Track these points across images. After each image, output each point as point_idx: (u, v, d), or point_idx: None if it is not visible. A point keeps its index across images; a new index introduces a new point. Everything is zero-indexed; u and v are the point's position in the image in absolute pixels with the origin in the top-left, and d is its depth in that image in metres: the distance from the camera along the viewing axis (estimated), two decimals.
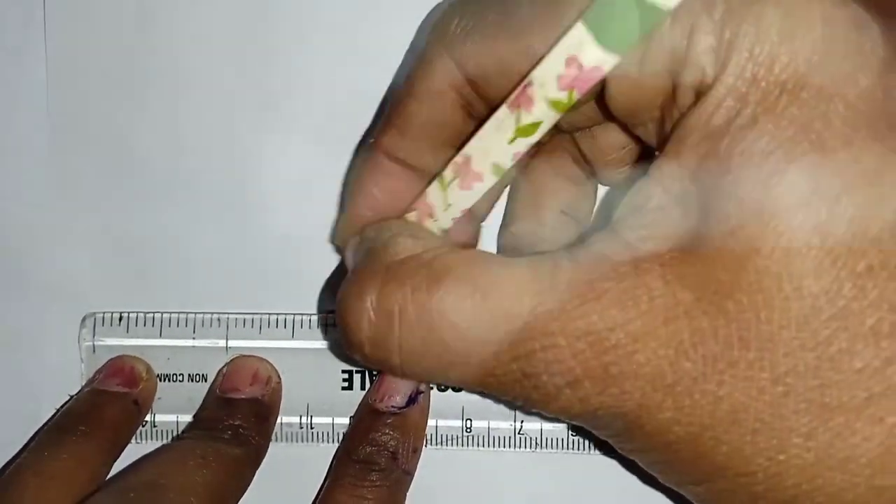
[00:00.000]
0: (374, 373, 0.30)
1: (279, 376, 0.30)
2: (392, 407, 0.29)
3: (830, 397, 0.19)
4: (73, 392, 0.30)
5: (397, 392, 0.29)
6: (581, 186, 0.28)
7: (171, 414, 0.30)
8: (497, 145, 0.23)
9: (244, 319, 0.30)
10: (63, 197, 0.31)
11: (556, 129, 0.26)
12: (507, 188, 0.29)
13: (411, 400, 0.29)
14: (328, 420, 0.30)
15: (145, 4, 0.30)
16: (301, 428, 0.30)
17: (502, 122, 0.22)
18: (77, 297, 0.30)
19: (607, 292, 0.20)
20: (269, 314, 0.30)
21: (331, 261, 0.31)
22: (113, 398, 0.29)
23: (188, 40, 0.30)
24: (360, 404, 0.30)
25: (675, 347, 0.20)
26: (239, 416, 0.28)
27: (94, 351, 0.30)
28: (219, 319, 0.30)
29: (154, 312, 0.30)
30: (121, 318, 0.30)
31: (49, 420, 0.29)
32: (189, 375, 0.30)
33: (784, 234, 0.19)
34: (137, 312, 0.30)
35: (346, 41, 0.30)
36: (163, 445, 0.30)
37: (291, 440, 0.30)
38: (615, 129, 0.26)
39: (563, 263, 0.21)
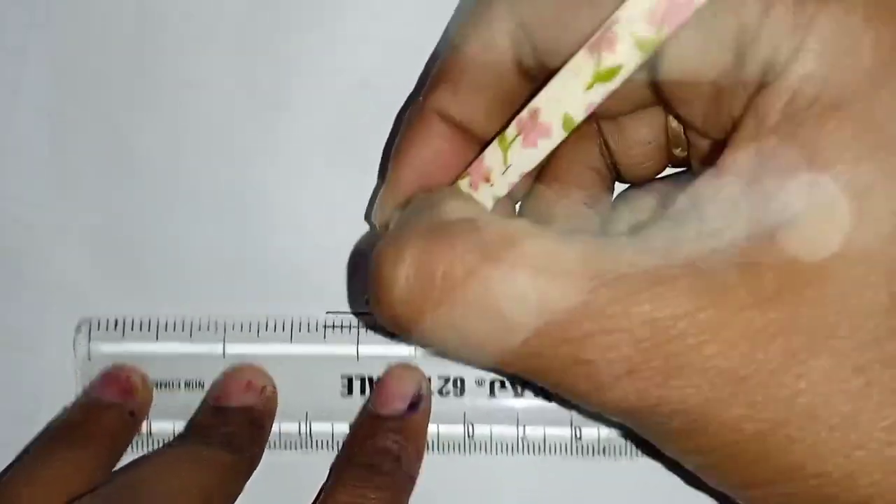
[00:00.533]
0: (374, 379, 0.29)
1: (274, 385, 0.29)
2: (394, 412, 0.28)
3: None
4: (70, 397, 0.29)
5: (400, 397, 0.28)
6: (603, 178, 0.27)
7: (166, 420, 0.29)
8: (572, 92, 0.21)
9: (242, 324, 0.30)
10: (62, 198, 0.30)
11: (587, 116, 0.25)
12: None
13: (413, 405, 0.28)
14: (328, 427, 0.30)
15: (145, 4, 0.30)
16: (300, 435, 0.30)
17: (579, 66, 0.21)
18: (73, 299, 0.30)
19: (676, 279, 0.19)
20: (268, 318, 0.30)
21: (332, 264, 0.30)
22: (108, 409, 0.28)
23: (188, 40, 0.30)
24: (360, 411, 0.29)
25: (751, 338, 0.19)
26: (232, 424, 0.28)
27: (89, 357, 0.30)
28: (216, 323, 0.30)
29: (151, 317, 0.30)
30: (116, 324, 0.30)
31: (43, 431, 0.29)
32: (185, 382, 0.30)
33: (873, 220, 0.18)
34: (133, 317, 0.30)
35: (349, 40, 0.30)
36: (155, 449, 0.29)
37: (290, 447, 0.30)
38: (645, 122, 0.25)
39: (628, 247, 0.20)
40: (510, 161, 0.23)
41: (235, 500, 0.27)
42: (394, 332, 0.22)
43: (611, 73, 0.21)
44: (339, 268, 0.30)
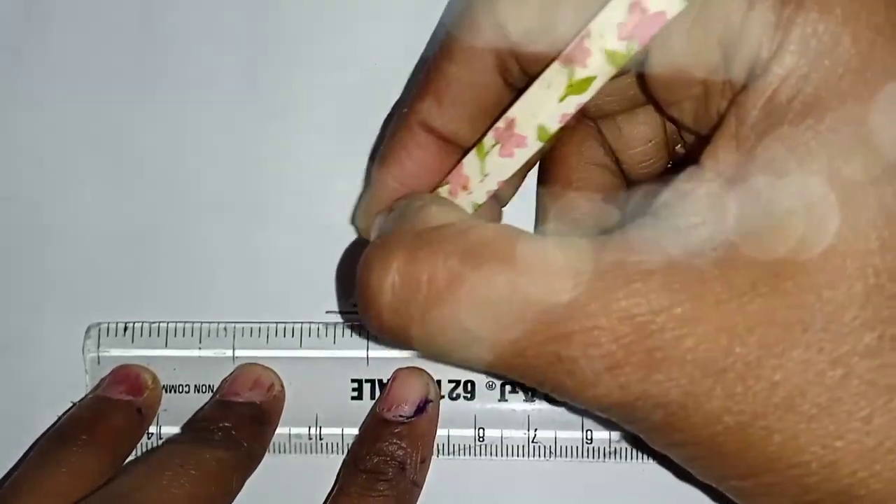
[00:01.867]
0: (384, 382, 0.29)
1: (283, 386, 0.30)
2: (400, 416, 0.28)
3: (891, 377, 0.19)
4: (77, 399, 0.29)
5: (406, 401, 0.28)
6: (615, 174, 0.27)
7: (177, 426, 0.29)
8: (546, 104, 0.21)
9: (251, 328, 0.30)
10: (64, 200, 0.30)
11: (584, 115, 0.25)
12: (536, 180, 0.28)
13: (420, 409, 0.28)
14: (337, 430, 0.30)
15: (146, 4, 0.30)
16: (310, 439, 0.30)
17: (553, 78, 0.21)
18: (81, 305, 0.30)
19: (654, 274, 0.19)
20: (277, 323, 0.30)
21: (340, 269, 0.30)
22: (116, 406, 0.29)
23: (189, 40, 0.30)
24: (368, 413, 0.29)
25: (728, 331, 0.19)
26: (232, 418, 0.28)
27: (98, 362, 0.30)
28: (225, 329, 0.30)
29: (160, 322, 0.30)
30: (126, 329, 0.30)
31: (52, 426, 0.29)
32: (195, 386, 0.30)
33: (850, 213, 0.19)
34: (143, 322, 0.30)
35: (350, 40, 0.30)
36: (145, 452, 0.29)
37: (301, 451, 0.30)
38: (642, 121, 0.25)
39: (607, 244, 0.20)
40: (488, 170, 0.23)
41: (234, 496, 0.27)
42: (384, 339, 0.23)
43: (583, 85, 0.21)
44: (342, 268, 0.30)
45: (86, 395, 0.29)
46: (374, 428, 0.28)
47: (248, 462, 0.28)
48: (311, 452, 0.30)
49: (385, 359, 0.29)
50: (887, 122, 0.19)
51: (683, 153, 0.26)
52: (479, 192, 0.24)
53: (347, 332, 0.30)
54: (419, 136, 0.24)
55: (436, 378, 0.29)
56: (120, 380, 0.29)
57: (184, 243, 0.30)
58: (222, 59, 0.30)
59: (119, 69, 0.30)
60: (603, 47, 0.20)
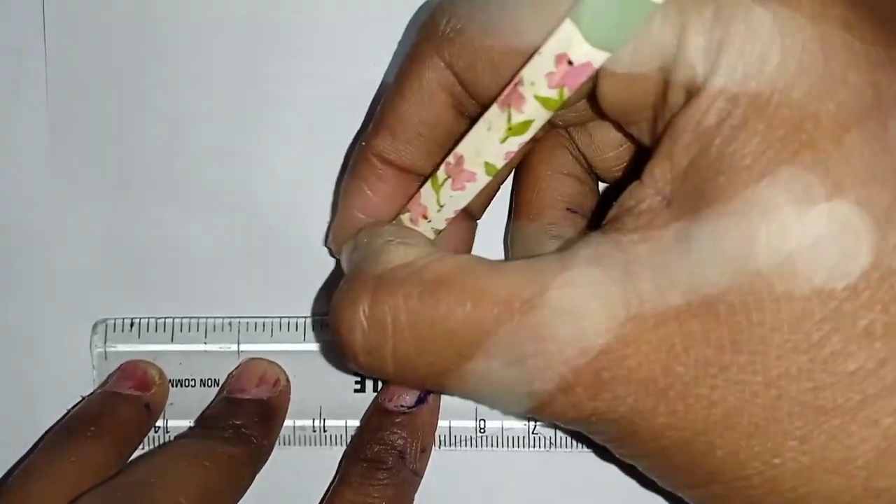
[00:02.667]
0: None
1: (288, 380, 0.30)
2: (401, 406, 0.29)
3: (825, 400, 0.19)
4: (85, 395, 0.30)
5: (406, 391, 0.29)
6: (584, 182, 0.27)
7: (183, 419, 0.30)
8: (489, 145, 0.22)
9: (255, 323, 0.30)
10: (66, 199, 0.31)
11: (552, 126, 0.25)
12: (510, 189, 0.28)
13: (420, 399, 0.29)
14: (341, 423, 0.30)
15: (145, 4, 0.30)
16: (314, 431, 0.30)
17: (493, 121, 0.22)
18: (86, 302, 0.31)
19: (596, 297, 0.20)
20: (281, 317, 0.30)
21: (318, 261, 0.31)
22: (124, 401, 0.29)
23: (188, 40, 0.30)
24: (370, 404, 0.30)
25: (667, 351, 0.20)
26: (242, 416, 0.28)
27: (105, 357, 0.30)
28: (230, 323, 0.30)
29: (165, 318, 0.30)
30: (132, 324, 0.30)
31: (59, 420, 0.30)
32: (201, 380, 0.30)
33: (774, 236, 0.19)
34: (149, 318, 0.30)
35: (351, 41, 0.30)
36: (159, 445, 0.30)
37: (305, 443, 0.30)
38: (611, 126, 0.25)
39: (552, 267, 0.21)
40: (443, 201, 0.24)
41: (244, 492, 0.27)
42: (368, 378, 0.25)
43: (522, 128, 0.22)
44: (337, 268, 0.31)
45: (94, 391, 0.30)
46: (375, 418, 0.29)
47: (258, 458, 0.28)
48: (315, 445, 0.30)
49: None
50: (812, 143, 0.19)
51: None
52: (439, 220, 0.25)
53: None
54: (377, 168, 0.25)
55: None
56: (128, 376, 0.30)
57: (188, 240, 0.31)
58: (222, 58, 0.30)
59: (119, 69, 0.30)
60: (535, 94, 0.21)
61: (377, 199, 0.26)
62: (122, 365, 0.30)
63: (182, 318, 0.30)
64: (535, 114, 0.21)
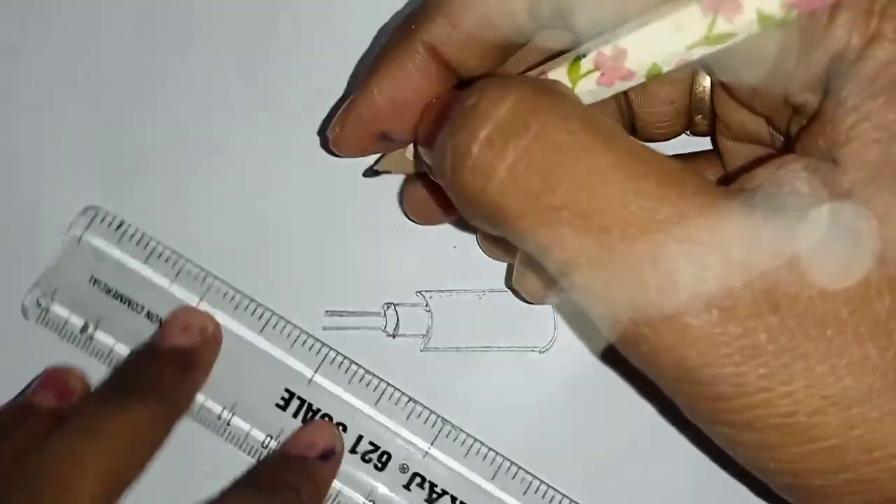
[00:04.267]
0: (312, 409, 0.29)
1: (218, 326, 0.29)
2: (304, 455, 0.28)
3: None
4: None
5: (310, 445, 0.28)
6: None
7: (111, 338, 0.30)
8: (669, 45, 0.20)
9: (227, 293, 0.30)
10: (63, 199, 0.30)
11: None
12: None
13: (325, 456, 0.28)
14: (245, 427, 0.29)
15: (145, 4, 0.30)
16: (219, 419, 0.29)
17: (687, 22, 0.20)
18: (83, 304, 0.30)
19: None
20: (251, 300, 0.30)
21: (334, 263, 0.30)
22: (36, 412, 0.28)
23: (188, 40, 0.31)
24: (274, 451, 0.29)
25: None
26: (157, 370, 0.28)
27: (78, 242, 0.30)
28: (204, 278, 0.30)
29: (151, 240, 0.30)
30: (119, 225, 0.30)
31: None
32: (147, 313, 0.29)
33: None
34: (136, 228, 0.30)
35: (350, 39, 0.30)
36: (68, 415, 0.28)
37: (205, 424, 0.29)
38: (669, 81, 0.24)
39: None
40: (576, 91, 0.21)
41: (157, 448, 0.26)
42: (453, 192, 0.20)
43: (719, 39, 0.19)
44: (343, 267, 0.30)
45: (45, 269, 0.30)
46: (279, 460, 0.28)
47: (173, 413, 0.27)
48: (213, 432, 0.29)
49: (326, 390, 0.29)
50: None
51: (704, 125, 0.26)
52: None
53: (307, 344, 0.29)
54: (420, 57, 0.22)
55: (360, 435, 0.29)
56: (49, 384, 0.29)
57: (187, 240, 0.30)
58: (222, 58, 0.30)
59: (119, 69, 0.30)
60: (758, 6, 0.19)
61: (407, 91, 0.22)
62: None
63: (165, 247, 0.30)
64: (744, 28, 0.19)
